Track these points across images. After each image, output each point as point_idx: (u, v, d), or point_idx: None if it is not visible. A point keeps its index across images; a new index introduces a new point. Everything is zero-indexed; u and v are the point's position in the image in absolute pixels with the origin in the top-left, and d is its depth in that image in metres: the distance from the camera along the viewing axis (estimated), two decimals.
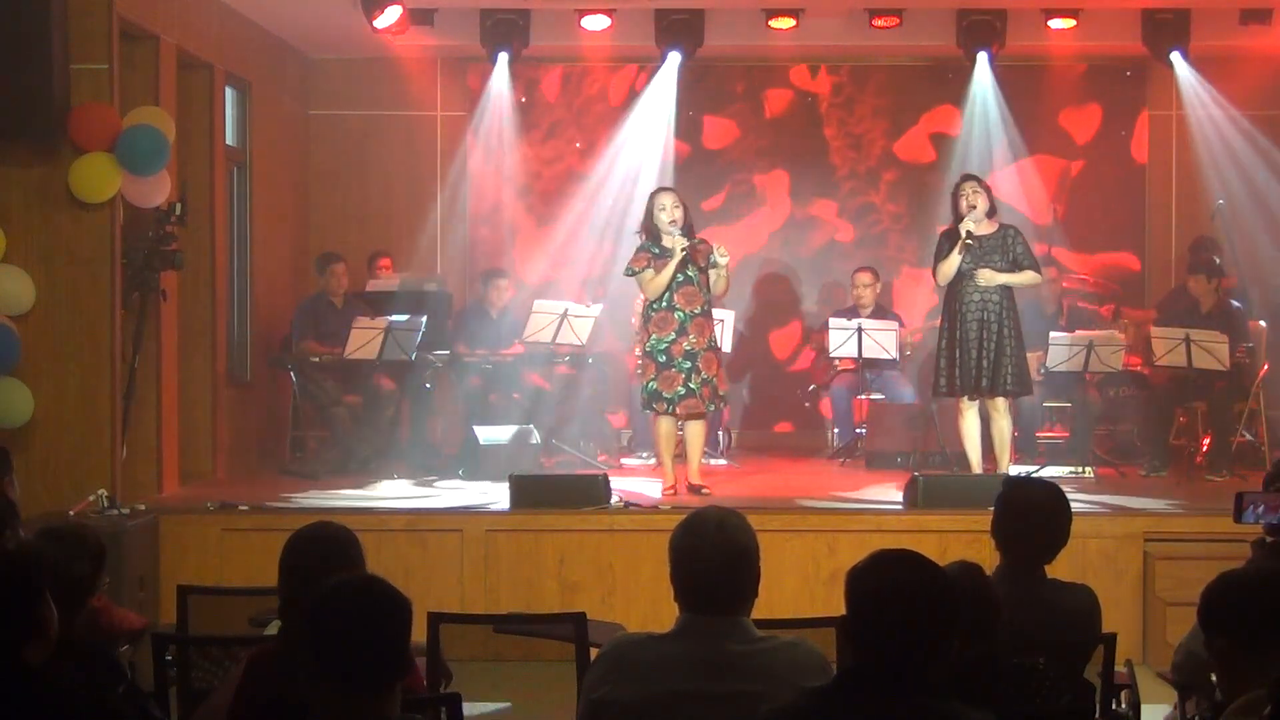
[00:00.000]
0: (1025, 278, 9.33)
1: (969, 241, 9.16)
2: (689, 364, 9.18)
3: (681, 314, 9.17)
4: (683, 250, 9.06)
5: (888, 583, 3.22)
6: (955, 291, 9.30)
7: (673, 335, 9.17)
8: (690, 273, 9.15)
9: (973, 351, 9.22)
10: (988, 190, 9.34)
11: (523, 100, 12.75)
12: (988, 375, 9.23)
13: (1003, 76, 12.16)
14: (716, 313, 10.64)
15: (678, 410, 9.28)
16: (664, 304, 9.17)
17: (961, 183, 9.42)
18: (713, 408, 9.40)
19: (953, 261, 9.21)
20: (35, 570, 3.51)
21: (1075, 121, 12.90)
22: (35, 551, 4.58)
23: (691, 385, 9.18)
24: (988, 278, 9.19)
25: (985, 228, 9.26)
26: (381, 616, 3.11)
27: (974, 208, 9.21)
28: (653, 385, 9.24)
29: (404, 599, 3.15)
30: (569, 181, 12.86)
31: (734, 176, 12.97)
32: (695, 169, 12.78)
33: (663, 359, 9.20)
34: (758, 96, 12.99)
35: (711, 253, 9.20)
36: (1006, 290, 9.26)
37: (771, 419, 12.86)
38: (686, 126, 12.74)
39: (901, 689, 3.18)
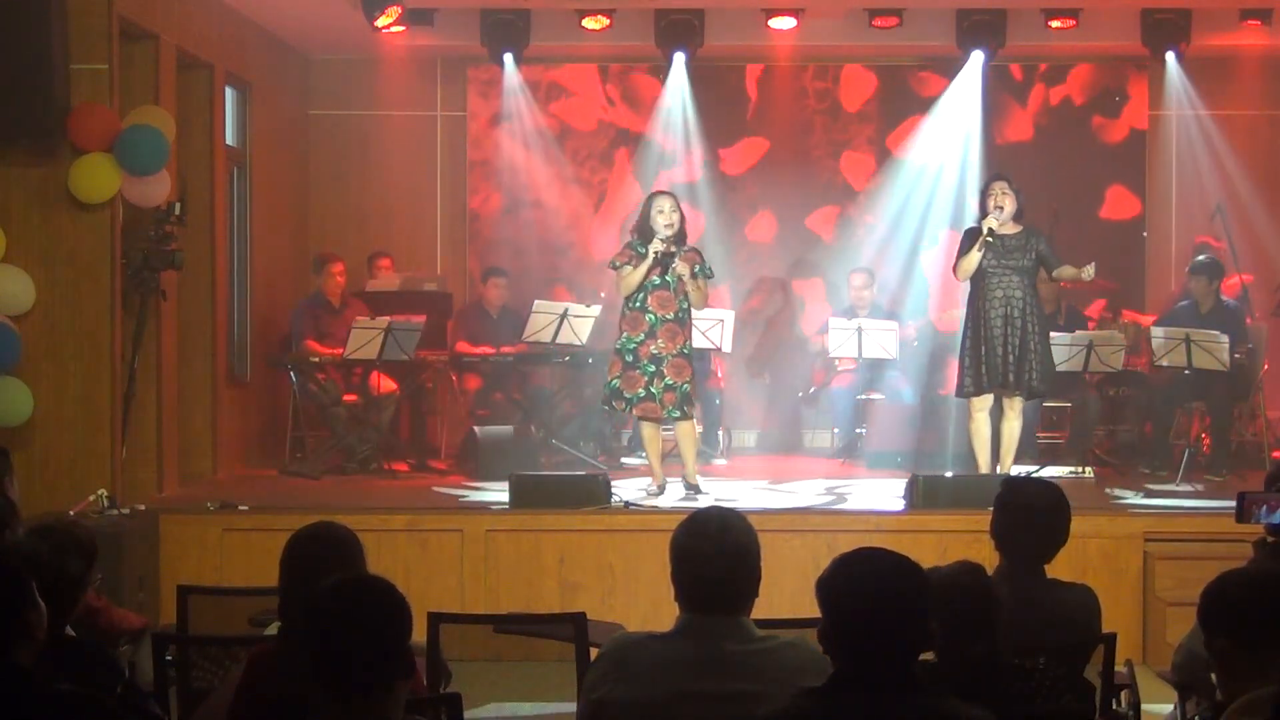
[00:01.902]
0: (1068, 271, 9.49)
1: (989, 239, 9.17)
2: (653, 368, 9.11)
3: (653, 317, 9.12)
4: (655, 253, 9.04)
5: (857, 581, 3.25)
6: (979, 289, 9.30)
7: (641, 337, 9.12)
8: (669, 278, 9.09)
9: (998, 347, 9.22)
10: (1017, 192, 9.33)
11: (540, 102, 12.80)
12: (1013, 370, 9.23)
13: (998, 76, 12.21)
14: (716, 312, 10.66)
15: (635, 412, 9.24)
16: (637, 304, 9.14)
17: (992, 182, 9.43)
18: (676, 414, 9.18)
19: (973, 258, 9.21)
20: (23, 571, 3.51)
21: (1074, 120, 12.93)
22: (24, 551, 4.57)
23: (653, 389, 9.11)
24: (1071, 274, 9.35)
25: (1009, 228, 9.26)
26: (379, 616, 3.10)
27: (1001, 208, 9.22)
28: (615, 383, 9.19)
29: (402, 599, 3.14)
30: (587, 184, 12.91)
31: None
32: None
33: (629, 359, 9.15)
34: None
35: (698, 263, 9.16)
36: (1030, 288, 9.26)
37: (771, 418, 12.84)
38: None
39: (897, 687, 3.19)
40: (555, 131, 12.87)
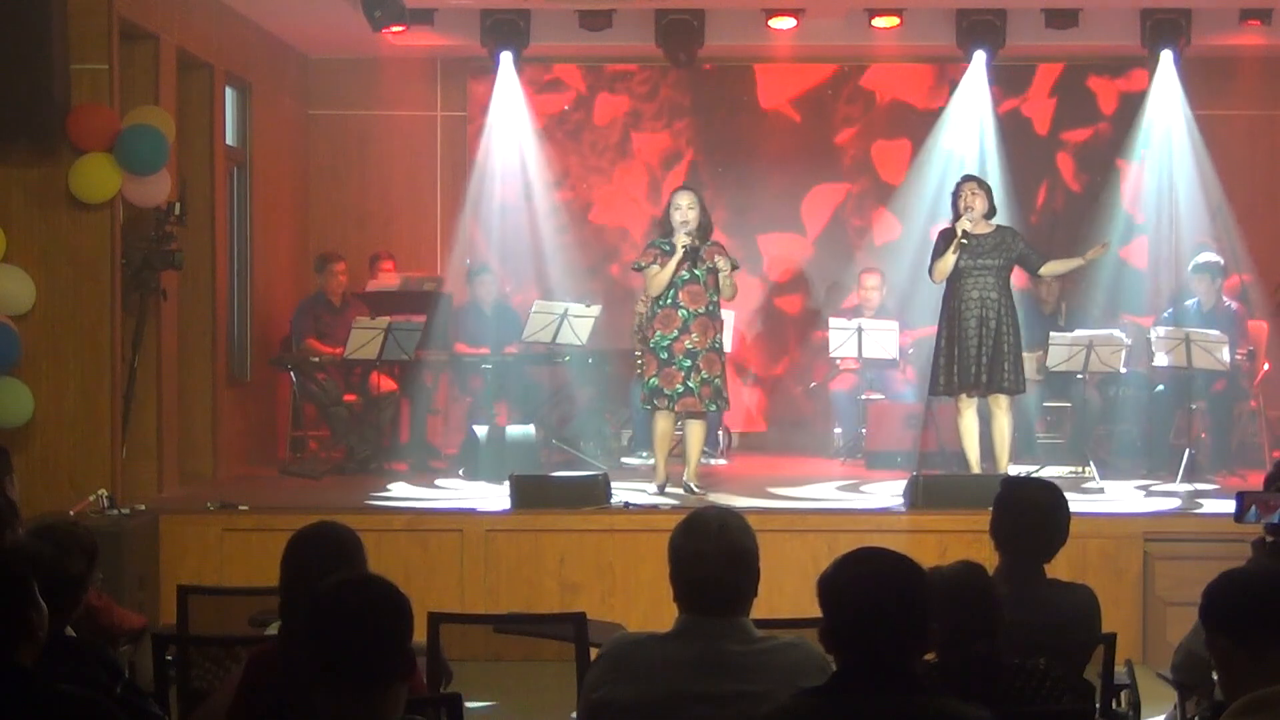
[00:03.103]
0: (1060, 266, 9.70)
1: (963, 240, 9.22)
2: (689, 362, 9.17)
3: (685, 312, 9.16)
4: (683, 248, 9.06)
5: (859, 580, 3.25)
6: (954, 290, 9.36)
7: (675, 333, 9.17)
8: (698, 272, 9.14)
9: (971, 349, 9.26)
10: (987, 191, 9.39)
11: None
12: (986, 371, 9.27)
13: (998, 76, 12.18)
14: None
15: (676, 408, 9.27)
16: (668, 301, 9.18)
17: (961, 183, 9.52)
18: (713, 408, 9.36)
19: (948, 260, 9.27)
20: (26, 570, 3.51)
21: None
22: (26, 552, 4.57)
23: (690, 384, 9.17)
24: (1066, 266, 9.76)
25: (983, 228, 9.32)
26: (378, 615, 3.10)
27: (971, 208, 9.27)
28: (654, 382, 9.25)
29: (402, 598, 3.14)
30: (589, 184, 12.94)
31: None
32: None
33: (664, 356, 9.20)
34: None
35: (720, 254, 9.19)
36: (1005, 289, 9.33)
37: (771, 419, 12.85)
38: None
39: (897, 687, 3.19)
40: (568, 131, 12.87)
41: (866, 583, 3.24)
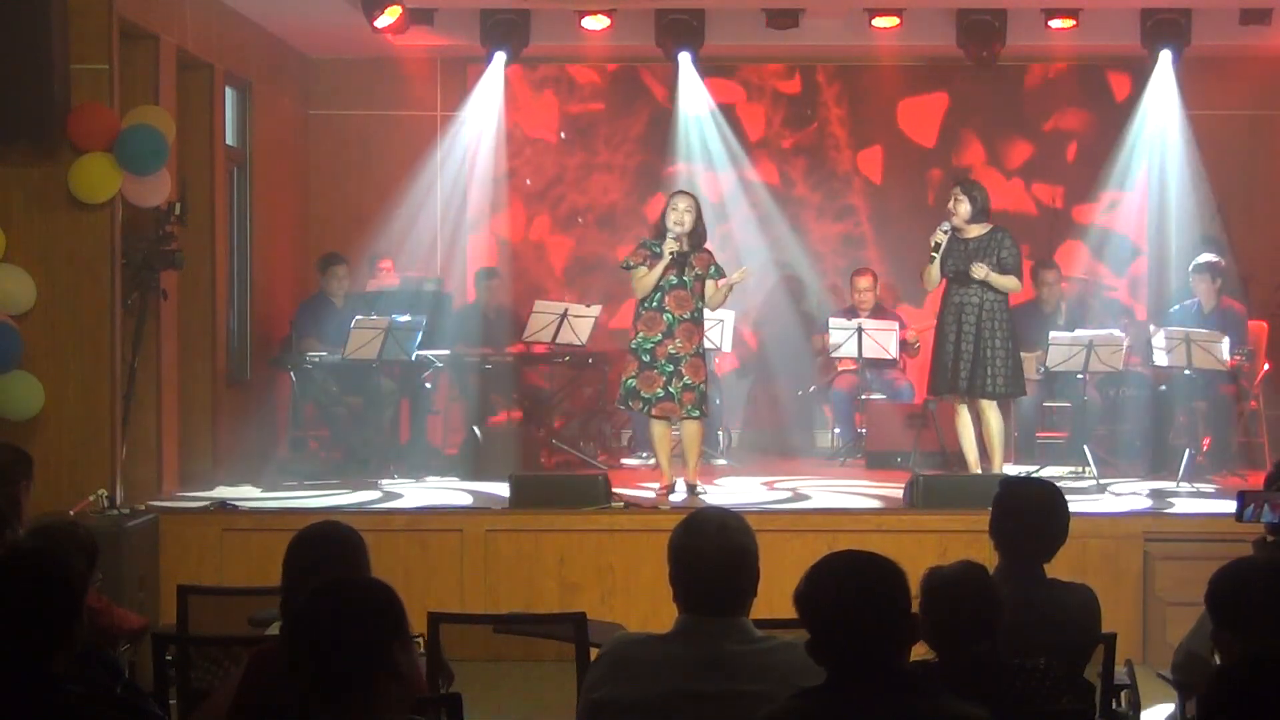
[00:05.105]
0: (1006, 281, 9.24)
1: (934, 253, 9.22)
2: (671, 368, 9.09)
3: (670, 316, 9.09)
4: (670, 254, 9.01)
5: (830, 588, 3.27)
6: (944, 294, 9.38)
7: (659, 336, 9.09)
8: (685, 277, 9.06)
9: (950, 353, 9.27)
10: (973, 195, 9.32)
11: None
12: (964, 377, 9.24)
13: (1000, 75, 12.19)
14: (717, 313, 10.67)
15: (653, 412, 9.20)
16: (653, 304, 9.11)
17: (952, 187, 9.51)
18: (696, 413, 9.16)
19: (931, 271, 9.27)
20: (79, 585, 3.52)
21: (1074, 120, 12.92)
22: (24, 551, 4.57)
23: (671, 389, 9.09)
24: (979, 271, 9.13)
25: (973, 230, 9.28)
26: (352, 619, 3.08)
27: (953, 214, 9.26)
28: (631, 383, 9.16)
29: (380, 598, 3.12)
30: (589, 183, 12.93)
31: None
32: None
33: (646, 359, 9.11)
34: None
35: (712, 263, 9.14)
36: (990, 292, 9.24)
37: (772, 418, 12.83)
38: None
39: (894, 686, 3.19)
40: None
41: (839, 587, 3.25)
